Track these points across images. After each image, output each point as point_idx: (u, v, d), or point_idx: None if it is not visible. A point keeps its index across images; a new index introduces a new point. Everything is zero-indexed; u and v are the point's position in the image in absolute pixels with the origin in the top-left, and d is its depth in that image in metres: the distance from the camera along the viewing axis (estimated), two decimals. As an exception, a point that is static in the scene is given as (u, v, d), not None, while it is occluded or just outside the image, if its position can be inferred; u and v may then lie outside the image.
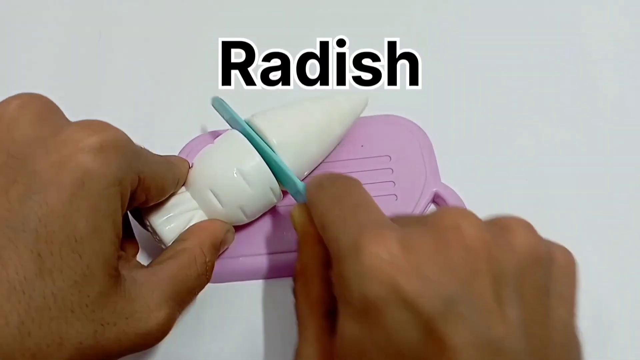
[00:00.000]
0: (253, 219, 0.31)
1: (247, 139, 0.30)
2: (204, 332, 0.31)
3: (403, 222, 0.22)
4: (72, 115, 0.38)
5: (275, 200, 0.30)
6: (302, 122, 0.31)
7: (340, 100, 0.33)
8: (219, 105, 0.33)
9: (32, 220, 0.20)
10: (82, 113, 0.38)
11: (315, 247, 0.25)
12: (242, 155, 0.29)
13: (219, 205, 0.29)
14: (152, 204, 0.27)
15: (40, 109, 0.23)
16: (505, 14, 0.42)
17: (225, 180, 0.29)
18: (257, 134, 0.30)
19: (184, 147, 0.36)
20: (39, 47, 0.43)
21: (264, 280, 0.32)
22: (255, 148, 0.29)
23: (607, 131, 0.37)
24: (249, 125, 0.30)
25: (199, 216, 0.29)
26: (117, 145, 0.23)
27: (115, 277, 0.22)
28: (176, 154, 0.36)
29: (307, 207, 0.26)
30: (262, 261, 0.32)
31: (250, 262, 0.32)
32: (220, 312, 0.31)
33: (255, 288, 0.32)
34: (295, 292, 0.26)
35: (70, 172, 0.21)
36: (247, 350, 0.30)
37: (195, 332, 0.31)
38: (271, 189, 0.29)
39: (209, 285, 0.31)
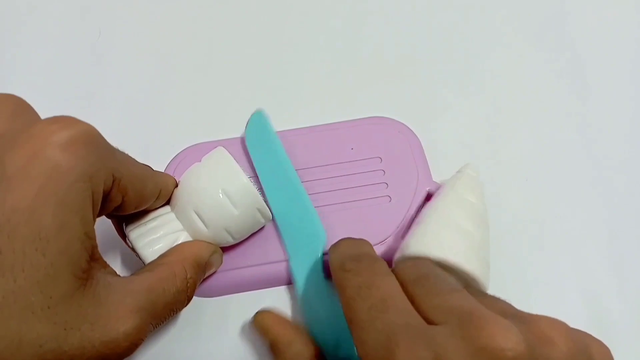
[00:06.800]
0: (241, 240, 0.30)
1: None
2: (198, 345, 0.31)
3: (437, 316, 0.21)
4: (65, 112, 0.37)
5: (263, 221, 0.30)
6: (465, 231, 0.27)
7: (468, 198, 0.29)
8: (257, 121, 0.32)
9: None
10: (79, 111, 0.38)
11: (295, 348, 0.26)
12: (228, 175, 0.28)
13: (203, 227, 0.28)
14: (132, 210, 0.26)
15: (14, 107, 0.23)
16: (496, 13, 0.42)
17: (210, 201, 0.28)
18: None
19: (171, 160, 0.35)
20: (37, 43, 0.42)
21: (259, 291, 0.32)
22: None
23: (601, 128, 0.36)
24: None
25: (183, 238, 0.28)
26: (88, 140, 0.22)
27: (83, 279, 0.21)
28: (170, 157, 0.35)
29: (270, 314, 0.28)
30: (256, 272, 0.31)
31: (245, 274, 0.31)
32: (217, 324, 0.31)
33: (251, 298, 0.32)
34: None
35: (38, 166, 0.20)
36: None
37: (191, 345, 0.31)
38: (258, 210, 0.29)
39: (204, 299, 0.31)
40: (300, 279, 0.30)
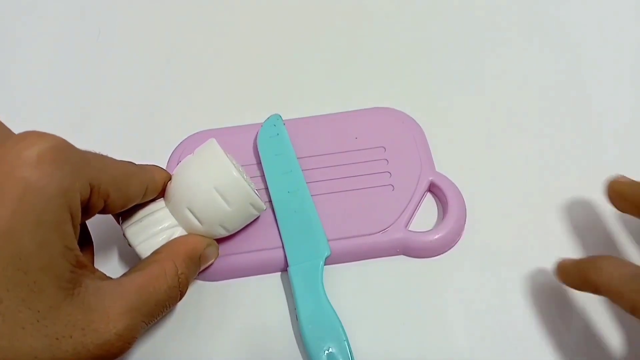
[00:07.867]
0: (237, 231, 0.30)
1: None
2: (203, 329, 0.31)
3: None
4: (68, 110, 0.38)
5: (257, 214, 0.30)
6: None
7: None
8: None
9: None
10: (80, 110, 0.38)
11: None
12: (219, 171, 0.28)
13: (197, 223, 0.28)
14: (119, 210, 0.27)
15: None
16: (497, 10, 0.42)
17: (202, 198, 0.28)
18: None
19: (174, 150, 0.35)
20: (37, 43, 0.42)
21: (260, 276, 0.32)
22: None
23: (602, 127, 0.36)
24: None
25: (179, 233, 0.28)
26: (57, 154, 0.22)
27: (69, 289, 0.22)
28: (171, 150, 0.36)
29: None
30: (256, 257, 0.31)
31: (245, 259, 0.31)
32: (219, 309, 0.31)
33: (251, 284, 0.32)
34: None
35: (11, 187, 0.21)
36: (245, 346, 0.30)
37: (194, 329, 0.31)
38: (252, 204, 0.29)
39: (207, 283, 0.31)
40: (299, 287, 0.30)
